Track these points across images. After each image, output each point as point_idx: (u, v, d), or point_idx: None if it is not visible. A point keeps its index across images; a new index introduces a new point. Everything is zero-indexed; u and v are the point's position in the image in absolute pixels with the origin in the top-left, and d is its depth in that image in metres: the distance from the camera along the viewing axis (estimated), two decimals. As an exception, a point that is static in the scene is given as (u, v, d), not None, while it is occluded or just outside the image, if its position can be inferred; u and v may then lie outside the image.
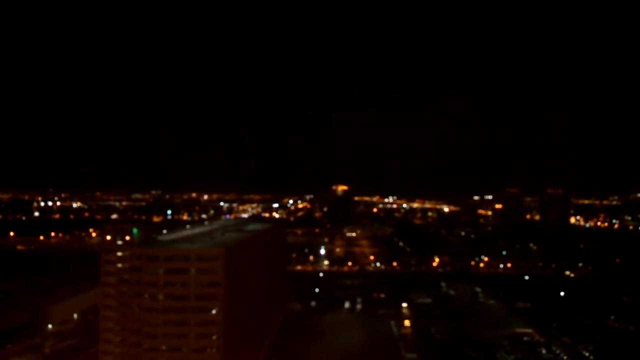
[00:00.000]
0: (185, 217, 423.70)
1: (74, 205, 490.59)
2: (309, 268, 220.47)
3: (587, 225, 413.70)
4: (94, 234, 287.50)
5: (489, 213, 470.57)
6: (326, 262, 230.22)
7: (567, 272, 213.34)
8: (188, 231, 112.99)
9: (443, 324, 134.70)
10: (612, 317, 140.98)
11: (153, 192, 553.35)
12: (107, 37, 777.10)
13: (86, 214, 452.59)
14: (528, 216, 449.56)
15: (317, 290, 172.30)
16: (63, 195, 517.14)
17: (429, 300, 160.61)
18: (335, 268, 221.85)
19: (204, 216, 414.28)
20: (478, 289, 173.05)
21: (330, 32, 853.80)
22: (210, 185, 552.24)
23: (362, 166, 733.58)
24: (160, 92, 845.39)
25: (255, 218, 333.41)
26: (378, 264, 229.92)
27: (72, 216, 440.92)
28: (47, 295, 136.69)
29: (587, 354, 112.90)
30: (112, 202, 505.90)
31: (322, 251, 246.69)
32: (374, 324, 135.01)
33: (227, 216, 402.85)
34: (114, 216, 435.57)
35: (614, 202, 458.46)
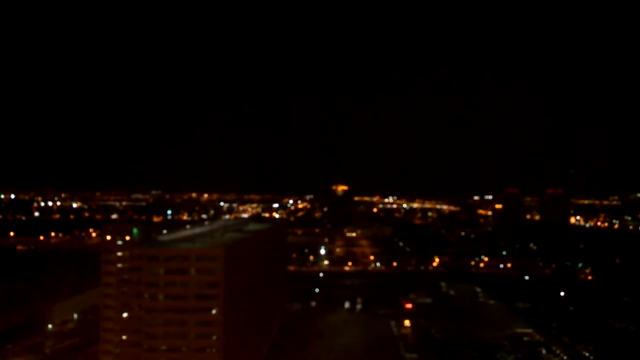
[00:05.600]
0: (185, 217, 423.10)
1: (74, 205, 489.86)
2: (309, 268, 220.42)
3: (587, 225, 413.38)
4: (94, 234, 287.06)
5: (489, 213, 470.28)
6: (326, 262, 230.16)
7: (567, 272, 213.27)
8: (188, 231, 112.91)
9: (443, 324, 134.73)
10: (612, 317, 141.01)
11: (153, 192, 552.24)
12: (107, 36, 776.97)
13: (86, 214, 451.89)
14: (528, 216, 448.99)
15: (317, 290, 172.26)
16: (63, 195, 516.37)
17: (429, 300, 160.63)
18: (335, 268, 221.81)
19: (204, 216, 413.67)
20: (478, 289, 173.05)
21: (332, 32, 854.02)
22: (210, 185, 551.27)
23: (362, 166, 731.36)
24: (161, 91, 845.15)
25: (255, 218, 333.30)
26: (378, 264, 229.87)
27: (72, 216, 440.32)
28: (47, 295, 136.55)
29: (587, 354, 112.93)
30: (112, 202, 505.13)
31: (322, 251, 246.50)
32: (374, 324, 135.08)
33: (227, 216, 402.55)
34: (114, 216, 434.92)
35: (614, 202, 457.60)
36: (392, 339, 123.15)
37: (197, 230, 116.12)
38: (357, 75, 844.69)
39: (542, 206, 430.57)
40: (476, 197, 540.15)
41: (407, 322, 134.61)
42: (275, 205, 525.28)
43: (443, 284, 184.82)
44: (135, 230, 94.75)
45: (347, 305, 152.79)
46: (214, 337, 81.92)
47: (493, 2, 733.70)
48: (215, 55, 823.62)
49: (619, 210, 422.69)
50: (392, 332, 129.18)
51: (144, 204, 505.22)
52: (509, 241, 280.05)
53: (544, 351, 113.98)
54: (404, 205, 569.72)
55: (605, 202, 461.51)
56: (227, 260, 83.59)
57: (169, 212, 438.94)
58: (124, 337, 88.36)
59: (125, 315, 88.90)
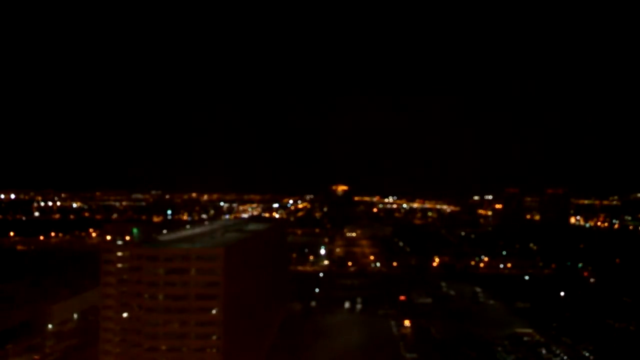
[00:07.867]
0: (185, 217, 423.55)
1: (74, 205, 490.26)
2: (309, 268, 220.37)
3: (587, 225, 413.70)
4: (94, 234, 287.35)
5: (489, 213, 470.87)
6: (326, 262, 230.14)
7: (567, 272, 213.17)
8: (188, 231, 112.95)
9: (443, 324, 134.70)
10: (612, 317, 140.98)
11: (153, 192, 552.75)
12: (107, 36, 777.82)
13: (86, 214, 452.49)
14: (528, 216, 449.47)
15: (317, 290, 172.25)
16: (63, 195, 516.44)
17: (429, 300, 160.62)
18: (335, 268, 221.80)
19: (204, 216, 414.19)
20: (478, 289, 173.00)
21: (330, 32, 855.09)
22: (210, 185, 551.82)
23: (362, 166, 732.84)
24: (160, 91, 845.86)
25: (255, 218, 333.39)
26: (378, 264, 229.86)
27: (72, 216, 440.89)
28: (47, 295, 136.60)
29: (587, 354, 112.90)
30: (112, 202, 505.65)
31: (322, 251, 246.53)
32: (374, 324, 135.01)
33: (227, 216, 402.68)
34: (114, 216, 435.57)
35: (614, 202, 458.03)
36: (392, 339, 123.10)
37: (197, 230, 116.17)
38: (358, 75, 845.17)
39: (542, 206, 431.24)
40: (476, 197, 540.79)
41: (407, 322, 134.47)
42: (275, 205, 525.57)
43: (443, 284, 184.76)
44: (135, 230, 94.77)
45: (347, 305, 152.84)
46: (214, 337, 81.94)
47: (494, 3, 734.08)
48: (216, 56, 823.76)
49: (619, 210, 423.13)
50: (392, 332, 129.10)
51: (144, 204, 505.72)
52: (509, 241, 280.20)
53: (544, 351, 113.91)
54: (404, 205, 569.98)
55: (605, 202, 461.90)
56: (227, 260, 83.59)
57: (169, 212, 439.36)
58: (124, 337, 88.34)
59: (125, 315, 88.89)
